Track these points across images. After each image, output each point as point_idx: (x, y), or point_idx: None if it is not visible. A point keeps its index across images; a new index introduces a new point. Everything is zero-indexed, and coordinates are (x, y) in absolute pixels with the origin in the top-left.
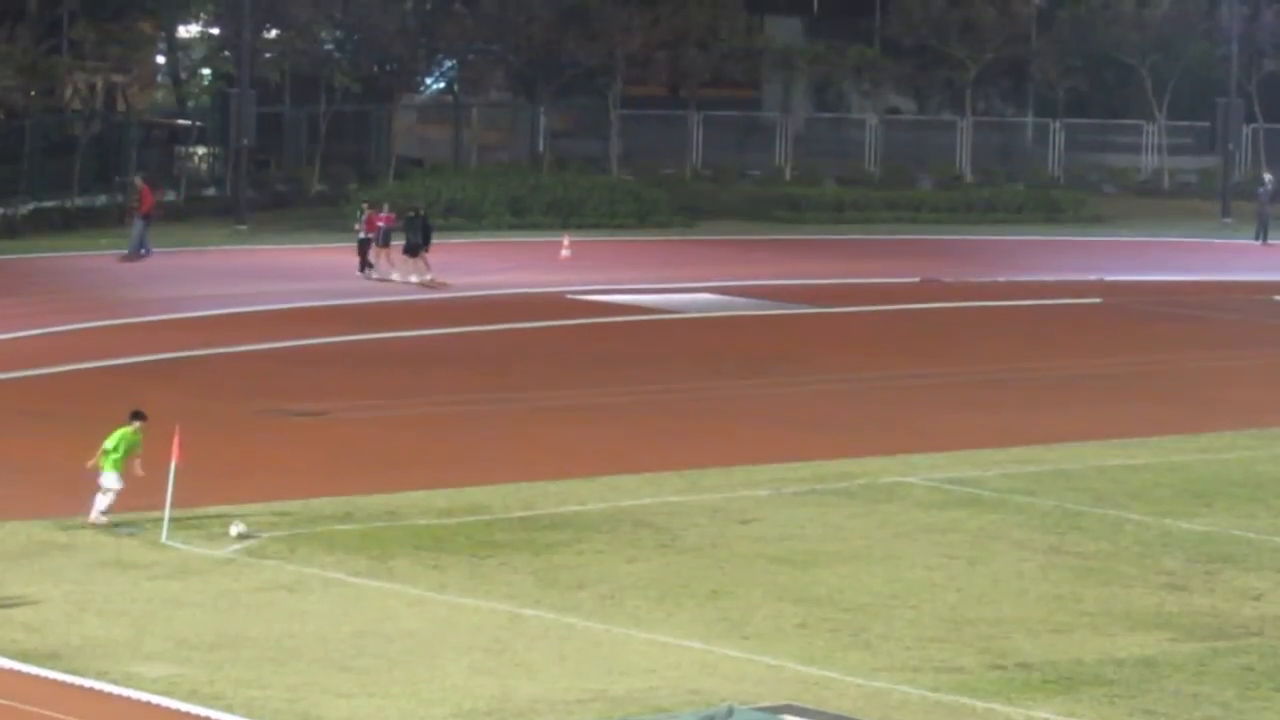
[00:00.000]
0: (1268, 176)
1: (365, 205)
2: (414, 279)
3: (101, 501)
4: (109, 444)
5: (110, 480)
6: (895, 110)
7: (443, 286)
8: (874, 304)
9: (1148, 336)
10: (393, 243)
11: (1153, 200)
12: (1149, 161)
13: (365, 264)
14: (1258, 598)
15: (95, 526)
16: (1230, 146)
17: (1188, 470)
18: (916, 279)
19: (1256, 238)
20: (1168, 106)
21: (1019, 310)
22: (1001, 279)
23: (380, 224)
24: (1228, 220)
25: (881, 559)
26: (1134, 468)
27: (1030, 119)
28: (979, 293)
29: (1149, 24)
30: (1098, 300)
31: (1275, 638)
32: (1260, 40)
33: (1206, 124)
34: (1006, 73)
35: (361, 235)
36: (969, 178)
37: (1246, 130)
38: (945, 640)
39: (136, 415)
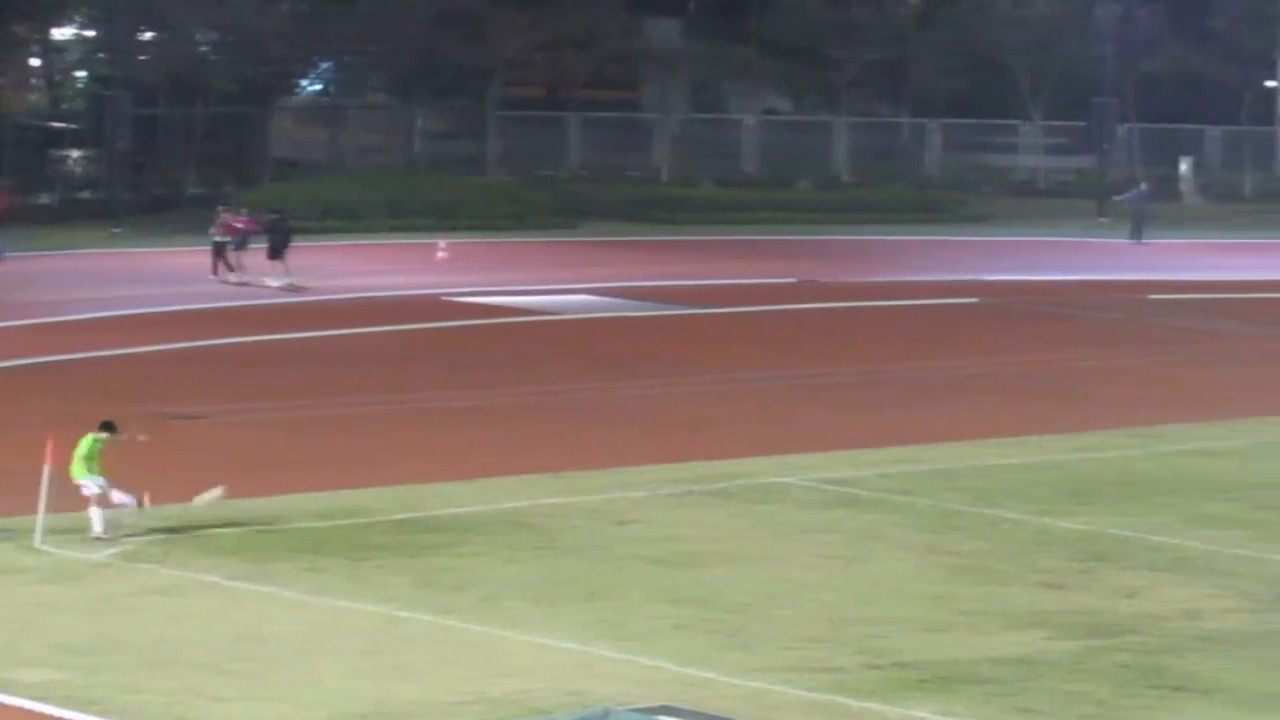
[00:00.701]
0: (1144, 185)
1: (221, 209)
2: (274, 283)
3: (95, 514)
4: (78, 451)
5: (90, 486)
6: (773, 111)
7: (303, 290)
8: (752, 305)
9: (1025, 336)
10: (252, 246)
11: (1030, 200)
12: (1026, 161)
13: (222, 267)
14: (1133, 596)
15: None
16: (1106, 146)
17: (1065, 469)
18: (794, 280)
19: (1131, 237)
20: (1045, 106)
21: (897, 310)
22: (879, 279)
23: (239, 227)
24: (1103, 220)
25: (759, 559)
26: (1011, 467)
27: (908, 119)
28: (857, 293)
29: (1026, 24)
30: (975, 300)
31: (1151, 635)
32: (1136, 40)
33: (1083, 124)
34: (884, 73)
35: (216, 239)
36: (847, 178)
37: (1122, 130)
38: (823, 640)
39: (106, 426)
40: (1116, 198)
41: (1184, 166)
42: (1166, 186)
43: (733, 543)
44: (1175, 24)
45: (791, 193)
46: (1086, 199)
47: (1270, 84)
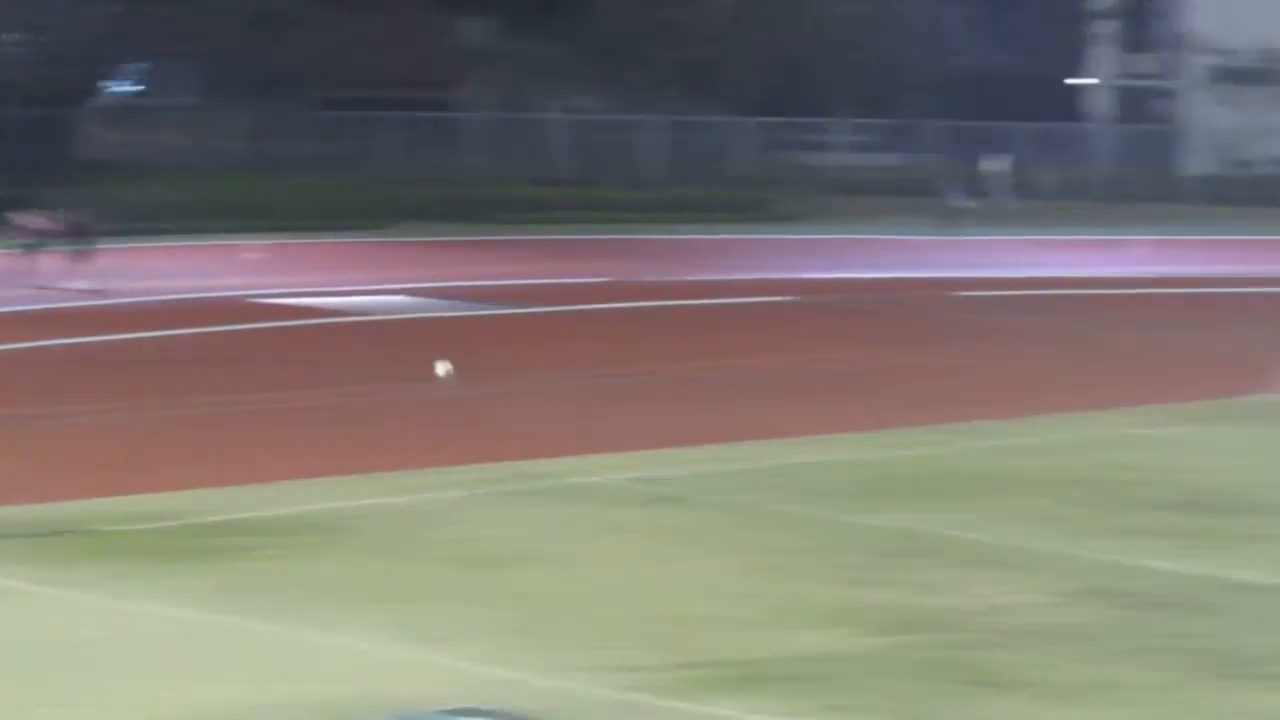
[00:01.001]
0: (955, 182)
1: (22, 212)
2: (78, 286)
3: None
4: None
5: None
6: (588, 110)
7: (107, 293)
8: (567, 304)
9: (837, 334)
10: (56, 248)
11: (844, 197)
12: (840, 159)
13: (24, 270)
14: (939, 592)
15: None
16: (918, 144)
17: (873, 466)
18: (608, 279)
19: (943, 234)
20: (858, 104)
21: (712, 309)
22: (694, 278)
23: (40, 229)
24: (916, 216)
25: (569, 559)
26: (823, 464)
27: (721, 118)
28: (672, 292)
29: (837, 22)
30: (789, 298)
31: (957, 631)
32: (950, 37)
33: (894, 121)
34: (697, 72)
35: (18, 241)
36: (661, 177)
37: (934, 127)
38: (631, 639)
39: None
40: (944, 199)
41: (994, 164)
42: (976, 184)
43: (543, 543)
44: (983, 22)
45: (605, 192)
46: (899, 196)
47: (1076, 81)
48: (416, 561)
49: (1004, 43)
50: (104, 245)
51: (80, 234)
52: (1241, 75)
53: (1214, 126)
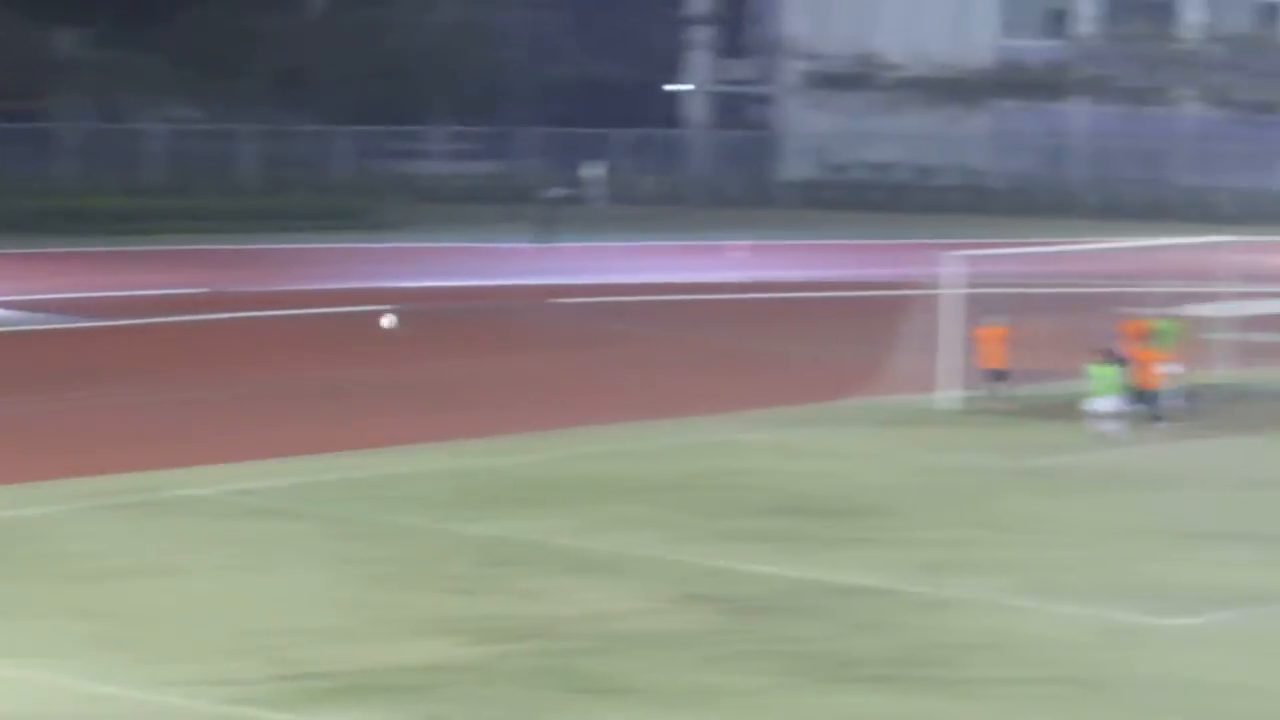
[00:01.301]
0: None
1: None
2: None
3: None
4: None
5: None
6: (182, 120)
7: None
8: (164, 315)
9: (433, 342)
10: None
11: (441, 205)
12: (436, 167)
13: None
14: (542, 599)
15: None
16: (515, 151)
17: (472, 475)
18: (207, 289)
19: (541, 241)
20: (453, 112)
21: (310, 319)
22: (293, 288)
23: None
24: (514, 223)
25: (171, 572)
26: (419, 474)
27: (318, 126)
28: (271, 302)
29: (430, 30)
30: (387, 307)
31: (561, 638)
32: (543, 45)
33: (491, 129)
34: (293, 80)
35: None
36: (257, 187)
37: (531, 134)
38: (234, 652)
39: None
40: (543, 206)
41: (593, 170)
42: (574, 190)
43: (142, 556)
44: (580, 29)
45: (201, 202)
46: (496, 204)
47: (673, 87)
48: (15, 577)
49: (601, 49)
50: None
51: None
52: (836, 80)
53: (809, 131)
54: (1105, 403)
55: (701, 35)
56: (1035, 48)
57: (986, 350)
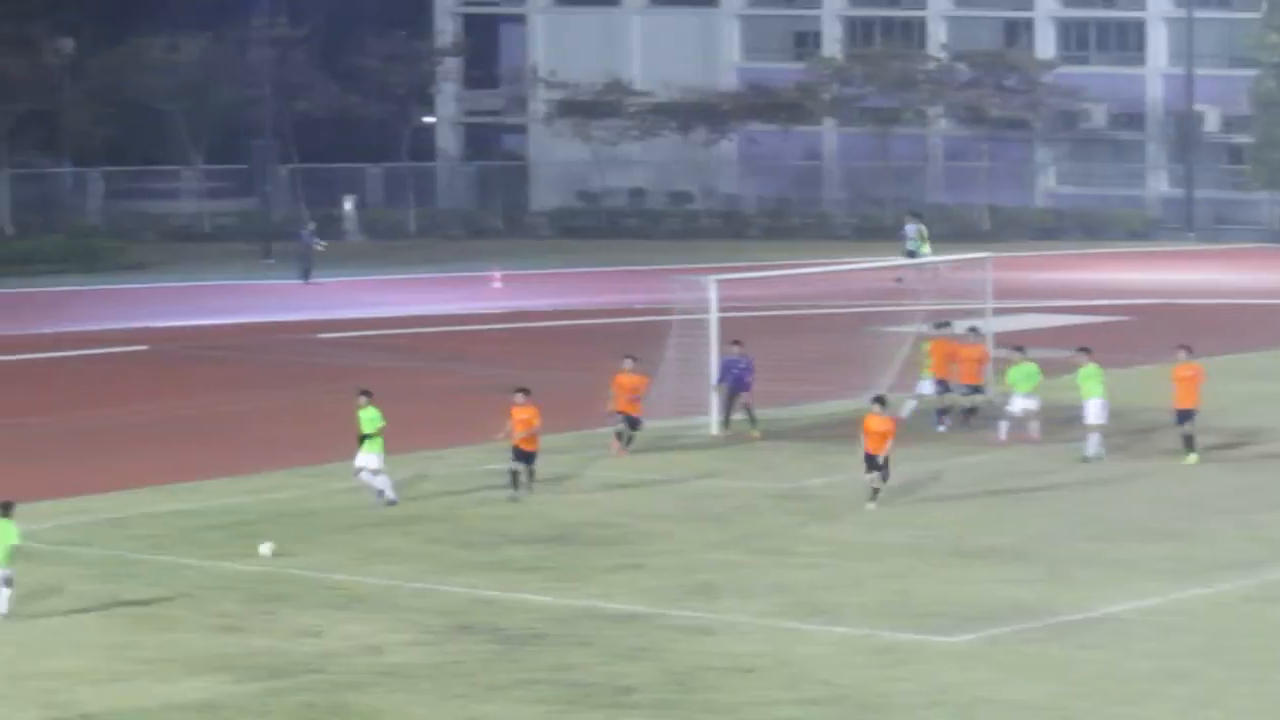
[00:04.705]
0: (310, 225)
1: None
2: None
3: None
4: None
5: None
6: None
7: None
8: None
9: (192, 381)
10: None
11: (194, 245)
12: (189, 206)
13: None
14: (315, 635)
15: None
16: (268, 187)
17: (239, 511)
18: None
19: (300, 277)
20: (205, 151)
21: (63, 361)
22: (43, 331)
23: None
24: (269, 261)
25: None
26: (185, 512)
27: (68, 169)
28: (24, 345)
29: (179, 69)
30: (141, 348)
31: (333, 673)
32: (291, 81)
33: (243, 166)
34: (40, 123)
35: None
36: (9, 230)
37: (283, 171)
38: (5, 696)
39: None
40: (298, 242)
41: (347, 205)
42: (331, 226)
43: None
44: (329, 64)
45: None
46: (251, 241)
47: (429, 119)
48: None
49: (349, 84)
50: None
51: None
52: (584, 108)
53: (560, 160)
54: (1024, 401)
55: (449, 67)
56: (780, 70)
57: (620, 395)
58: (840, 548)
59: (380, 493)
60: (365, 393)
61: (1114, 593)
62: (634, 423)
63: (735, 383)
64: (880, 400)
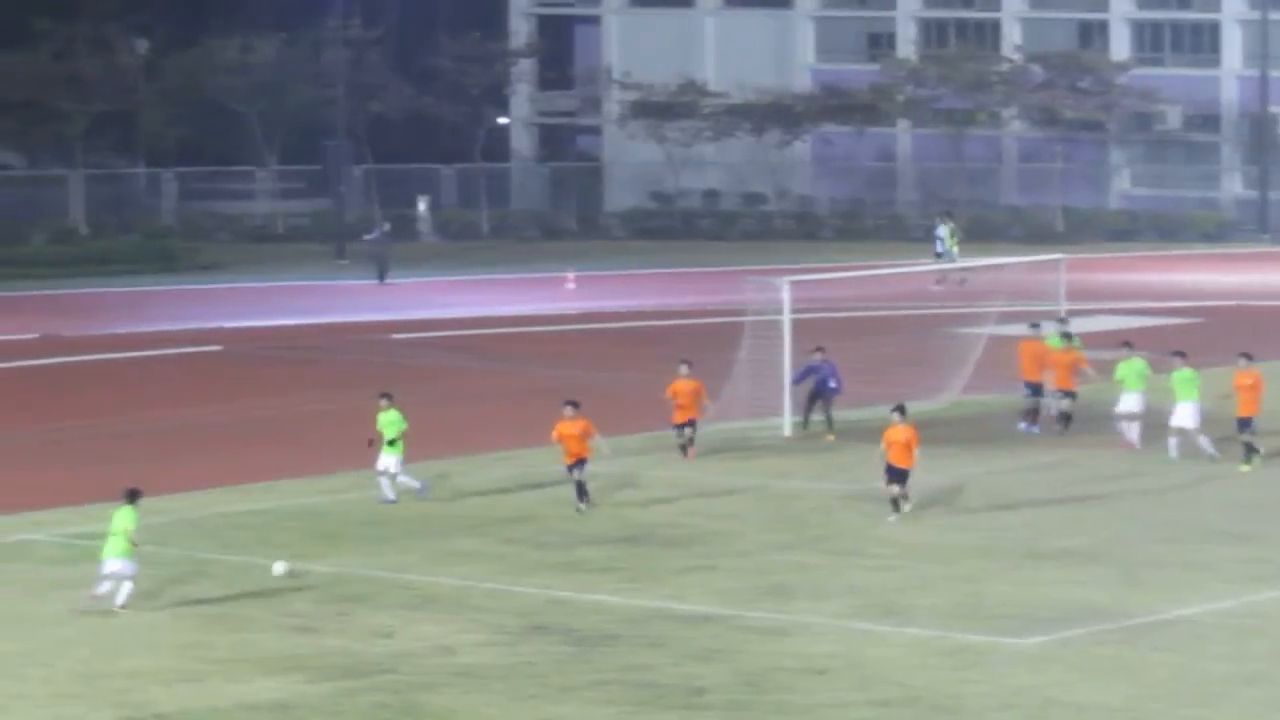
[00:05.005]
0: (385, 226)
1: None
2: None
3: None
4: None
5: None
6: (5, 166)
7: None
8: None
9: (266, 382)
10: None
11: (268, 245)
12: (262, 207)
13: None
14: (388, 635)
15: None
16: (342, 188)
17: (313, 512)
18: (36, 335)
19: (376, 278)
20: (279, 151)
21: (141, 361)
22: (121, 331)
23: None
24: (343, 262)
25: (11, 618)
26: (259, 512)
27: (142, 169)
28: (100, 345)
29: (254, 70)
30: (217, 348)
31: (406, 674)
32: (365, 83)
33: (317, 167)
34: (116, 124)
35: None
36: (84, 231)
37: (357, 171)
38: (80, 696)
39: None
40: (371, 243)
41: (421, 205)
42: (405, 226)
43: None
44: (403, 65)
45: (26, 248)
46: (325, 242)
47: (503, 120)
48: None
49: (424, 85)
50: None
51: None
52: (659, 109)
53: (635, 161)
54: (1132, 399)
55: (523, 68)
56: (855, 72)
57: (678, 402)
58: (912, 549)
59: (386, 498)
60: (386, 395)
61: (1187, 595)
62: (692, 426)
63: (819, 385)
64: (901, 409)
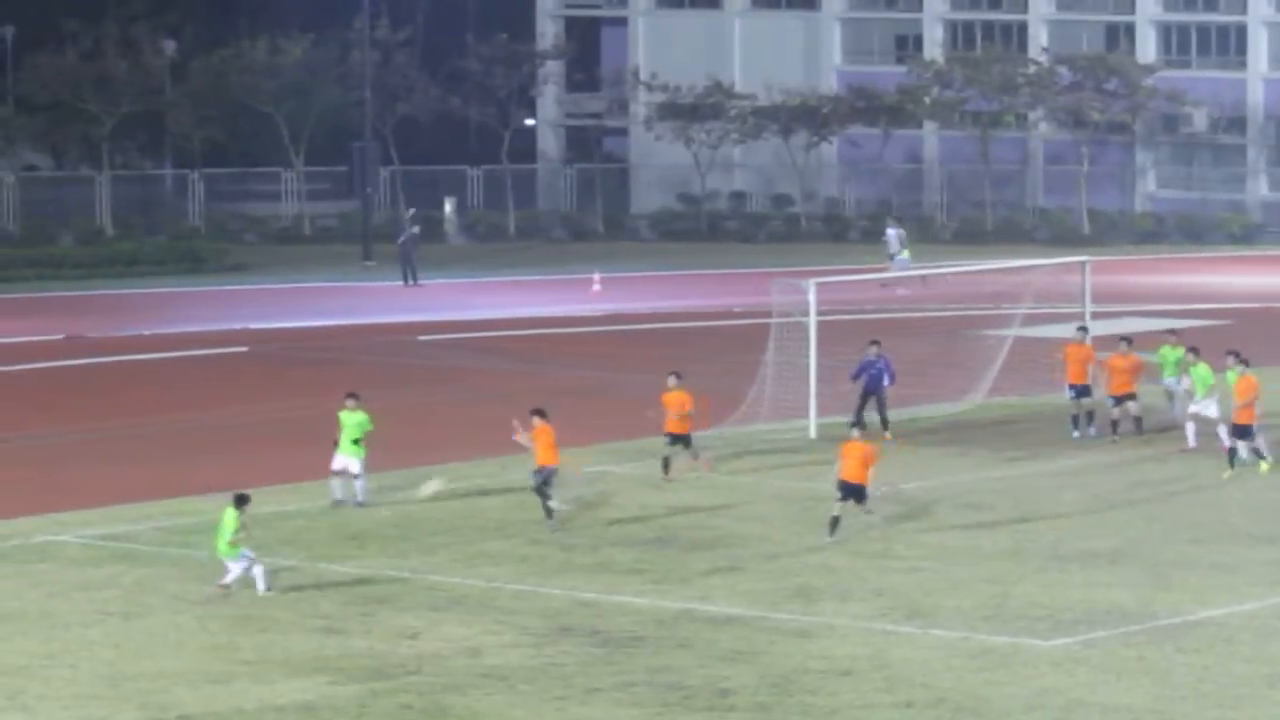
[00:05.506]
0: (411, 218)
1: None
2: None
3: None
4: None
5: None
6: (33, 167)
7: None
8: (18, 363)
9: (293, 383)
10: None
11: (295, 246)
12: (289, 208)
13: None
14: (414, 636)
15: None
16: (369, 190)
17: (339, 514)
18: (62, 336)
19: (403, 279)
20: (305, 153)
21: (167, 362)
22: (148, 332)
23: None
24: (370, 263)
25: (36, 619)
26: (287, 514)
27: (169, 170)
28: (126, 346)
29: (281, 71)
30: (244, 349)
31: (433, 675)
32: (392, 84)
33: (344, 169)
34: (142, 125)
35: None
36: (110, 232)
37: (384, 173)
38: (104, 697)
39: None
40: (398, 244)
41: (448, 207)
42: (432, 228)
43: (9, 603)
44: (430, 67)
45: (54, 249)
46: (352, 243)
47: (530, 122)
48: None
49: (451, 87)
50: None
51: None
52: (686, 111)
53: (662, 163)
54: (1204, 405)
55: (550, 69)
56: (882, 74)
57: (669, 414)
58: (938, 551)
59: (355, 500)
60: (353, 395)
61: (1213, 597)
62: (683, 440)
63: (871, 383)
64: (860, 425)
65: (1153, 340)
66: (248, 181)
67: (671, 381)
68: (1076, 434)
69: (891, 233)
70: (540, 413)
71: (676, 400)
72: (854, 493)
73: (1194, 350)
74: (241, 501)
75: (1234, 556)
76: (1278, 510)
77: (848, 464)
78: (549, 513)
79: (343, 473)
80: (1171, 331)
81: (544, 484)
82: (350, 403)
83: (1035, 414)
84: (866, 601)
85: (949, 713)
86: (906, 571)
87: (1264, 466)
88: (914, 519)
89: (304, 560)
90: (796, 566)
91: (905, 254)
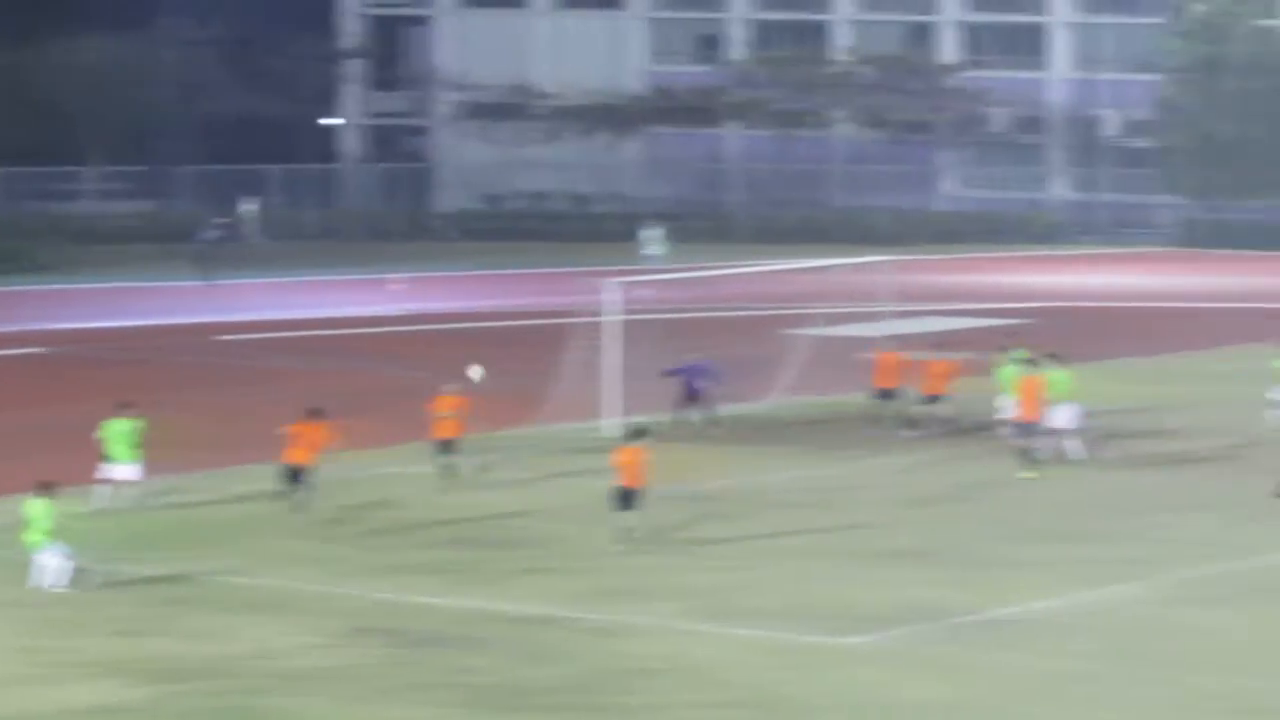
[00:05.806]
0: (213, 227)
1: None
2: None
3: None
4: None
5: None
6: None
7: None
8: None
9: (90, 384)
10: None
11: (94, 246)
12: (88, 208)
13: None
14: (211, 638)
15: None
16: (170, 188)
17: (138, 515)
18: None
19: (201, 279)
20: (106, 151)
21: None
22: None
23: None
24: (171, 262)
25: None
26: (84, 515)
27: None
28: None
29: (84, 69)
30: (39, 350)
31: (230, 676)
32: (197, 81)
33: (145, 167)
34: None
35: None
36: None
37: (186, 171)
38: None
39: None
40: (199, 243)
41: (246, 206)
42: (232, 227)
43: None
44: (231, 65)
45: None
46: (152, 243)
47: (327, 121)
48: None
49: (253, 86)
50: None
51: None
52: (489, 111)
53: (465, 163)
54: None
55: (353, 69)
56: (686, 74)
57: (441, 423)
58: (741, 550)
59: (102, 507)
60: (126, 404)
61: (1013, 594)
62: (449, 446)
63: (687, 386)
64: (640, 433)
65: (984, 338)
66: (48, 181)
67: (451, 386)
68: (903, 434)
69: (648, 233)
70: (316, 412)
71: (451, 404)
72: (632, 499)
73: (1053, 354)
74: (48, 488)
75: (1034, 554)
76: (1077, 508)
77: (625, 471)
78: (298, 506)
79: (122, 481)
80: (1052, 355)
81: (293, 479)
82: (123, 412)
83: (839, 414)
84: (668, 601)
85: (748, 711)
86: (709, 571)
87: (1028, 473)
88: (718, 519)
89: (98, 562)
90: (597, 566)
91: (661, 251)
